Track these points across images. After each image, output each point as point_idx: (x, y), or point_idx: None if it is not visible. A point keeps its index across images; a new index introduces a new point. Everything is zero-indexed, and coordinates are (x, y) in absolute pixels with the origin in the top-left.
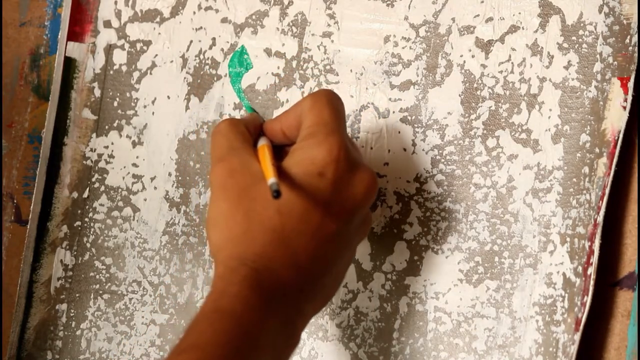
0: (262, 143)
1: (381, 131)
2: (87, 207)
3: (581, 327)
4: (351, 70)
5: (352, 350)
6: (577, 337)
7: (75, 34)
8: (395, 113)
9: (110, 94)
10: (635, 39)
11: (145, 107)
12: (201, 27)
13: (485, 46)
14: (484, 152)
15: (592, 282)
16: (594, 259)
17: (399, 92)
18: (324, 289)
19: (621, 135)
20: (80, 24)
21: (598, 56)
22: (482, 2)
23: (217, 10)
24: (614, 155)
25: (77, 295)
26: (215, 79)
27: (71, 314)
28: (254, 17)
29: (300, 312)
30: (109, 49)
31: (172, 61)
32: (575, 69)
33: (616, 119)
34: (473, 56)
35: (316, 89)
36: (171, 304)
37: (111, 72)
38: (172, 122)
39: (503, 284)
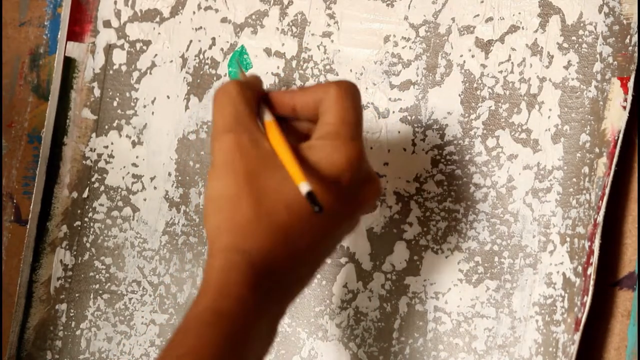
0: (269, 119)
1: (381, 131)
2: (86, 207)
3: (581, 327)
4: (351, 70)
5: (352, 350)
6: (577, 337)
7: (75, 34)
8: (395, 113)
9: (110, 93)
10: (635, 39)
11: (145, 107)
12: (201, 27)
13: (485, 46)
14: (484, 152)
15: (592, 282)
16: (594, 259)
17: (398, 92)
18: (303, 286)
19: (621, 135)
20: (80, 24)
21: (598, 56)
22: (482, 2)
23: (216, 10)
24: (614, 155)
25: (76, 295)
26: (215, 78)
27: (71, 314)
28: (253, 17)
29: (282, 310)
30: (109, 49)
31: (171, 61)
32: (575, 69)
33: (616, 118)
34: (473, 56)
35: None
36: (171, 303)
37: (111, 72)
38: (171, 122)
39: (503, 283)
